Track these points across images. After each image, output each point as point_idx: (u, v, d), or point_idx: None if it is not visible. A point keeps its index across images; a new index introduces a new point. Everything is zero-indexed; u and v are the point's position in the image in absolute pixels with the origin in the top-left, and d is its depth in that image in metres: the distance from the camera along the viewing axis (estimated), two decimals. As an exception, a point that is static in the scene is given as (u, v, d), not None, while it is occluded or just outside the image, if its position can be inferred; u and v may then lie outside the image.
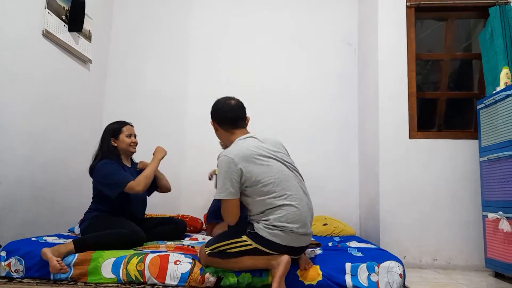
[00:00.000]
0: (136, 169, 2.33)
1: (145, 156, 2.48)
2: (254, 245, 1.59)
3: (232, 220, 1.65)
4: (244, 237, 1.61)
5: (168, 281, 1.68)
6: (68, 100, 2.75)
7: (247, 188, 1.60)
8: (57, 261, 1.69)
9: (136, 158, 2.43)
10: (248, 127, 1.80)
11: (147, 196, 2.38)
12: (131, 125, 2.28)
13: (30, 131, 2.37)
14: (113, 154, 2.17)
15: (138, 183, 2.03)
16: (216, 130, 1.77)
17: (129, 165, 2.28)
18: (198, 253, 1.79)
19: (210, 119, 1.76)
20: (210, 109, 1.76)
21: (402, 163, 2.58)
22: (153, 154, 2.24)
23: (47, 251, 1.72)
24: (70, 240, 1.84)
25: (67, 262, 1.73)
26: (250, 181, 1.58)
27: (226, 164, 1.59)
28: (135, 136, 2.27)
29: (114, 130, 2.20)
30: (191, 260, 1.73)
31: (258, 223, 1.60)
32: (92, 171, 2.13)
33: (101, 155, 2.15)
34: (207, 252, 1.68)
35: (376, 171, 2.63)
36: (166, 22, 3.35)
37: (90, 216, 2.11)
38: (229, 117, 1.70)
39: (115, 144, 2.19)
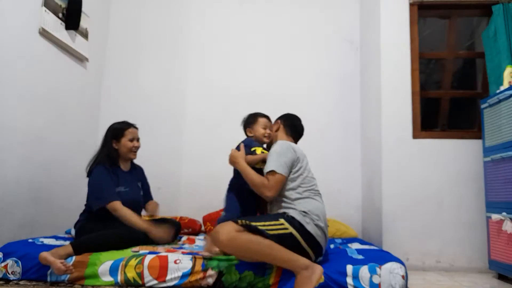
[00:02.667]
0: (135, 174, 2.28)
1: (145, 156, 2.45)
2: (290, 229, 1.61)
3: (272, 195, 1.73)
4: (282, 220, 1.63)
5: (169, 281, 1.65)
6: (65, 99, 2.72)
7: (291, 175, 1.77)
8: (61, 262, 1.66)
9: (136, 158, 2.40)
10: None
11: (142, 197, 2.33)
12: (135, 127, 2.20)
13: (26, 130, 2.34)
14: (111, 157, 2.12)
15: (120, 212, 1.97)
16: (280, 130, 2.03)
17: (126, 169, 2.23)
18: (214, 231, 1.58)
19: (279, 119, 2.07)
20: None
21: (406, 163, 2.55)
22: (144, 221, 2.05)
23: (46, 255, 1.69)
24: (68, 242, 1.83)
25: (65, 264, 1.71)
26: (297, 169, 1.78)
27: (286, 147, 1.81)
28: (138, 139, 2.20)
29: (117, 131, 2.14)
30: (191, 257, 1.71)
31: (293, 209, 1.69)
32: (90, 173, 2.10)
33: (99, 157, 2.11)
34: (240, 223, 1.54)
35: (379, 172, 2.60)
36: (164, 20, 3.31)
37: (83, 217, 2.10)
38: (298, 130, 2.06)
39: (116, 147, 2.14)
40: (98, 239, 1.85)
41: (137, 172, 2.32)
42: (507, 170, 2.13)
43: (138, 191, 2.25)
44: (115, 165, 2.14)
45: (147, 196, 2.36)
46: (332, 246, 2.17)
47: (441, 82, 2.90)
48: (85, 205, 2.15)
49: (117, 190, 2.08)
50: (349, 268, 1.63)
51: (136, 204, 2.21)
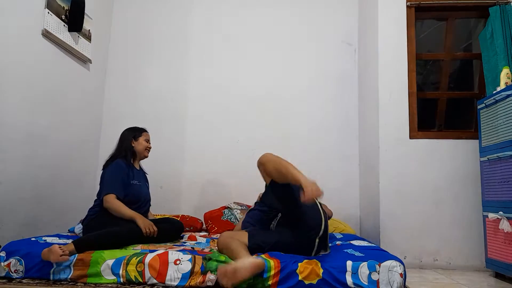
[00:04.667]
0: (144, 174, 2.43)
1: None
2: None
3: None
4: None
5: (168, 282, 1.66)
6: (68, 100, 2.75)
7: None
8: (59, 247, 1.69)
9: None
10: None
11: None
12: (147, 132, 2.43)
13: (30, 131, 2.37)
14: (129, 154, 2.29)
15: (110, 205, 2.07)
16: None
17: (137, 168, 2.38)
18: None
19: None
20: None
21: (403, 163, 2.57)
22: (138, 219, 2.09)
23: (47, 250, 1.72)
24: (70, 241, 1.83)
25: (67, 263, 1.72)
26: None
27: None
28: (150, 142, 2.41)
29: (135, 132, 2.36)
30: (190, 257, 1.71)
31: None
32: (106, 167, 2.22)
33: (119, 154, 2.27)
34: None
35: (376, 171, 2.63)
36: (166, 22, 3.34)
37: (93, 211, 2.14)
38: None
39: (133, 145, 2.32)
40: (99, 237, 1.86)
41: (144, 174, 2.47)
42: (503, 170, 2.15)
43: (147, 189, 2.39)
44: (131, 162, 2.31)
45: None
46: (330, 244, 2.19)
47: (438, 83, 2.93)
48: (95, 200, 2.20)
49: (132, 182, 2.22)
50: (349, 264, 1.65)
51: (147, 199, 2.36)
